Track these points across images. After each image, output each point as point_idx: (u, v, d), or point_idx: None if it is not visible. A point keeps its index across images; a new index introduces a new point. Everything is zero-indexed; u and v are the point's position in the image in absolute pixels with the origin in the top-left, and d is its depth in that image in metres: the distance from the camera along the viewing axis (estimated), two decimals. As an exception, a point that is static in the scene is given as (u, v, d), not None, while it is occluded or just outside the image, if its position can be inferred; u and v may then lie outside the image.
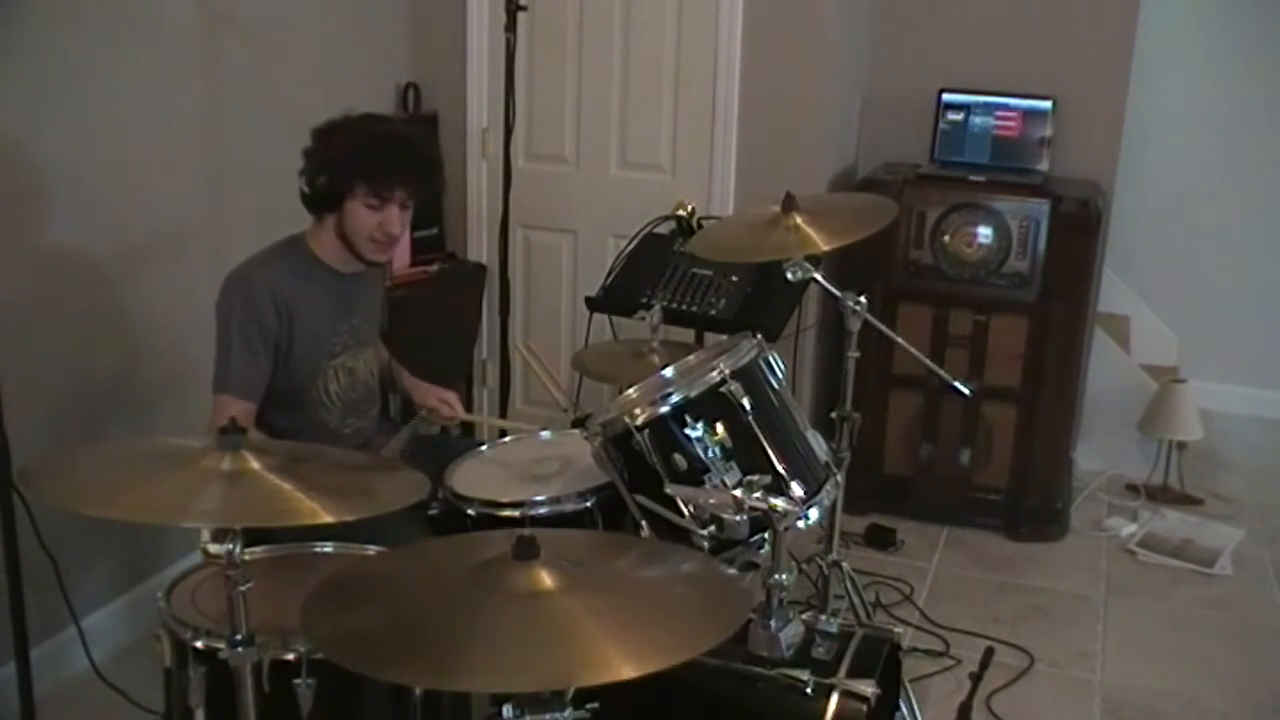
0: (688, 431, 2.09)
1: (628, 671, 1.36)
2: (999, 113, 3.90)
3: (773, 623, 1.93)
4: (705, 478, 2.08)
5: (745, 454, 2.11)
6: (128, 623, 3.02)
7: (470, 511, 2.31)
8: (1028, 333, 3.70)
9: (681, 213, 3.51)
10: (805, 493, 2.15)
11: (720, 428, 2.10)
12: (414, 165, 2.48)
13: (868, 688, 1.87)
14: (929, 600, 3.44)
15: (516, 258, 4.03)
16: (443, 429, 2.86)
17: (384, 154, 2.45)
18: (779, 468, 2.13)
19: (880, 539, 3.75)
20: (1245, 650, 3.26)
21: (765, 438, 2.13)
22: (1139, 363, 4.55)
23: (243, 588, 1.63)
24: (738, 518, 1.98)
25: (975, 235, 3.68)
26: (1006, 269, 3.67)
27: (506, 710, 1.51)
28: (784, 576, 1.92)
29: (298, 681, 1.78)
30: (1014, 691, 2.99)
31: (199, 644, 1.83)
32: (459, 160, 4.06)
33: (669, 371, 2.35)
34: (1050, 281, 3.64)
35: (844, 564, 2.82)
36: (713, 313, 3.30)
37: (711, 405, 2.10)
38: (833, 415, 2.70)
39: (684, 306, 3.32)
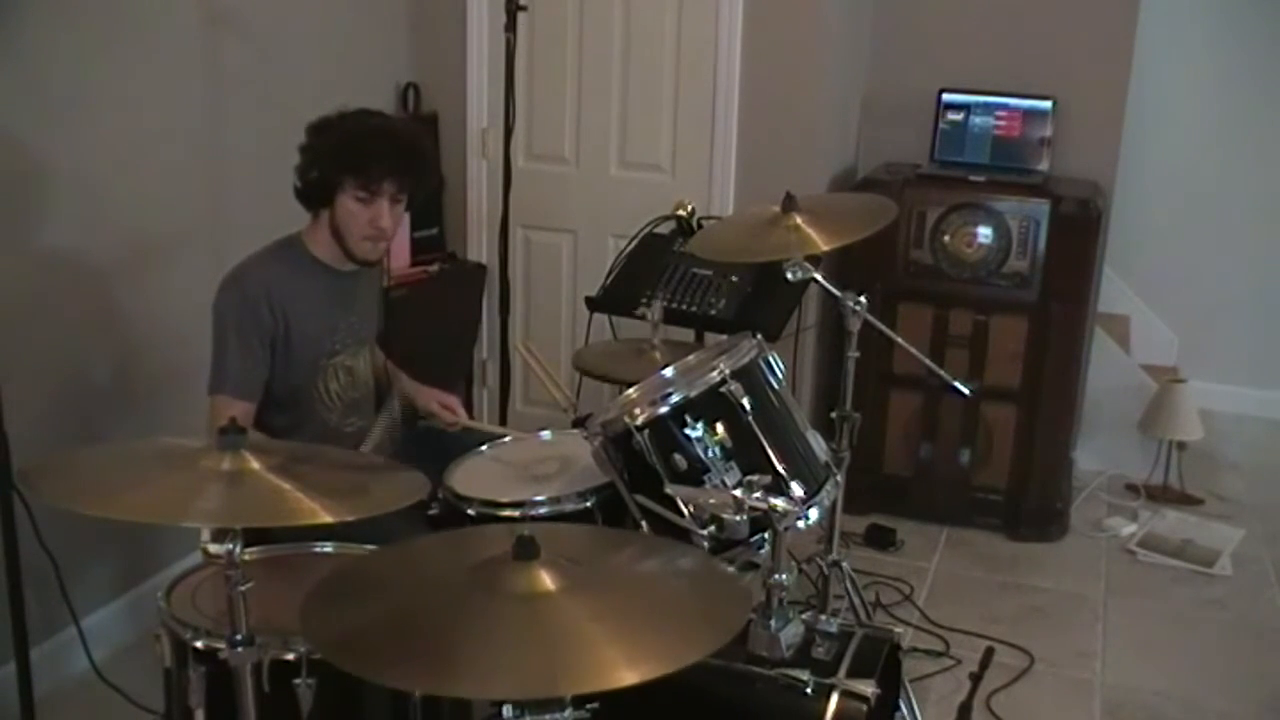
0: (688, 431, 2.08)
1: (626, 678, 1.36)
2: (999, 113, 3.89)
3: (773, 623, 1.93)
4: (705, 478, 2.08)
5: (745, 454, 2.11)
6: (128, 623, 3.02)
7: (470, 511, 2.31)
8: (1028, 333, 3.70)
9: (681, 213, 3.50)
10: (805, 493, 2.15)
11: (720, 428, 2.10)
12: (402, 157, 2.47)
13: (868, 688, 1.87)
14: (929, 600, 3.43)
15: (516, 258, 4.03)
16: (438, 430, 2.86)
17: (372, 146, 2.44)
18: (779, 468, 2.13)
19: (880, 539, 3.75)
20: (1245, 650, 3.26)
21: (765, 438, 2.13)
22: (1139, 363, 4.55)
23: (243, 588, 1.63)
24: (738, 518, 1.98)
25: (975, 235, 3.68)
26: (1006, 269, 3.67)
27: (506, 710, 1.51)
28: (784, 576, 1.92)
29: (298, 681, 1.78)
30: (1014, 691, 2.99)
31: (199, 644, 1.83)
32: (459, 160, 4.06)
33: (669, 371, 2.34)
34: (1050, 281, 3.64)
35: (844, 564, 2.82)
36: (713, 313, 3.30)
37: (711, 405, 2.10)
38: (833, 415, 2.70)
39: (684, 306, 3.32)
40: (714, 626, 1.51)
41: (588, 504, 2.31)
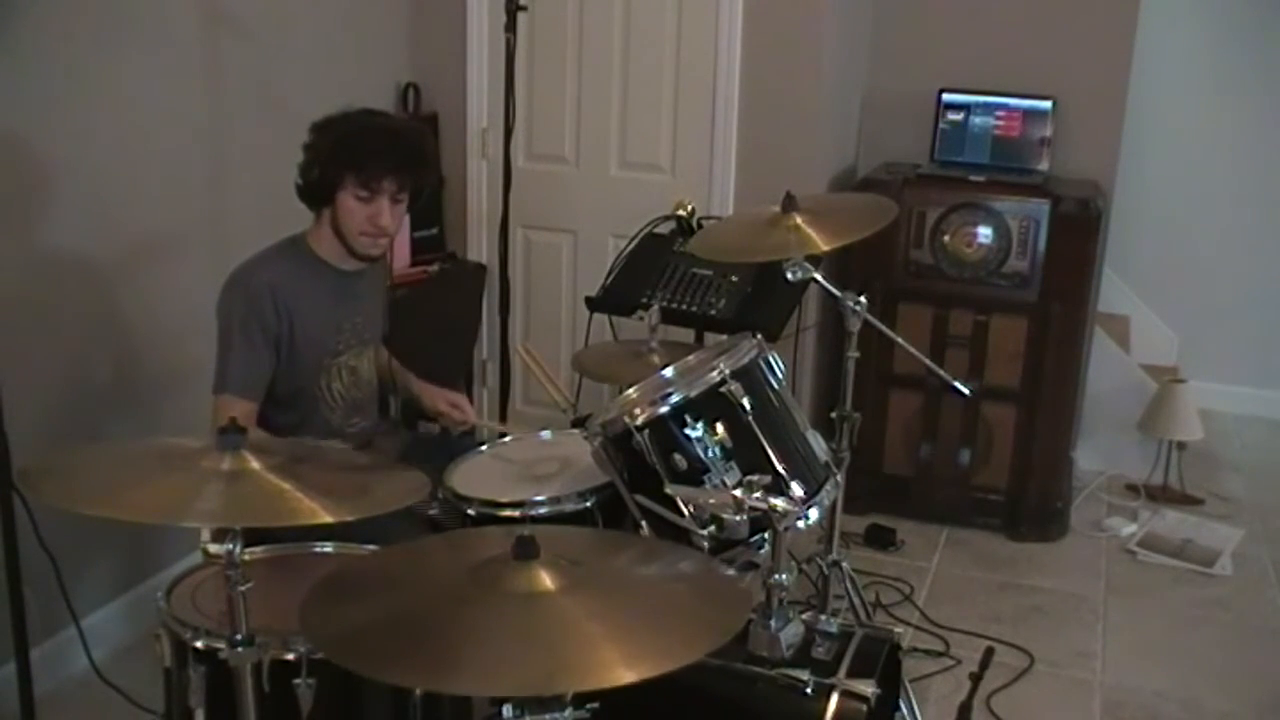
0: (688, 431, 2.08)
1: (626, 676, 1.37)
2: (999, 113, 3.90)
3: (773, 623, 1.93)
4: (705, 478, 2.08)
5: (745, 454, 2.10)
6: (128, 623, 3.02)
7: (470, 511, 2.31)
8: (1028, 333, 3.70)
9: (681, 213, 3.50)
10: (805, 493, 2.15)
11: (720, 428, 2.09)
12: (402, 156, 2.47)
13: (868, 688, 1.87)
14: (929, 600, 3.44)
15: (516, 258, 4.03)
16: (443, 430, 2.86)
17: (372, 145, 2.44)
18: (779, 468, 2.12)
19: (880, 539, 3.75)
20: (1245, 650, 3.26)
21: (765, 438, 2.13)
22: (1139, 363, 4.55)
23: (243, 588, 1.63)
24: (738, 518, 1.98)
25: (975, 235, 3.68)
26: (1006, 269, 3.67)
27: (506, 710, 1.51)
28: (784, 576, 1.92)
29: (298, 681, 1.78)
30: (1014, 691, 2.99)
31: (199, 644, 1.83)
32: (459, 160, 4.06)
33: (669, 371, 2.34)
34: (1050, 281, 3.64)
35: (844, 564, 2.82)
36: (713, 313, 3.30)
37: (711, 405, 2.10)
38: (833, 415, 2.70)
39: (684, 306, 3.32)
40: (713, 627, 1.51)
41: (588, 504, 2.31)
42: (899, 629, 2.22)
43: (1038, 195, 3.66)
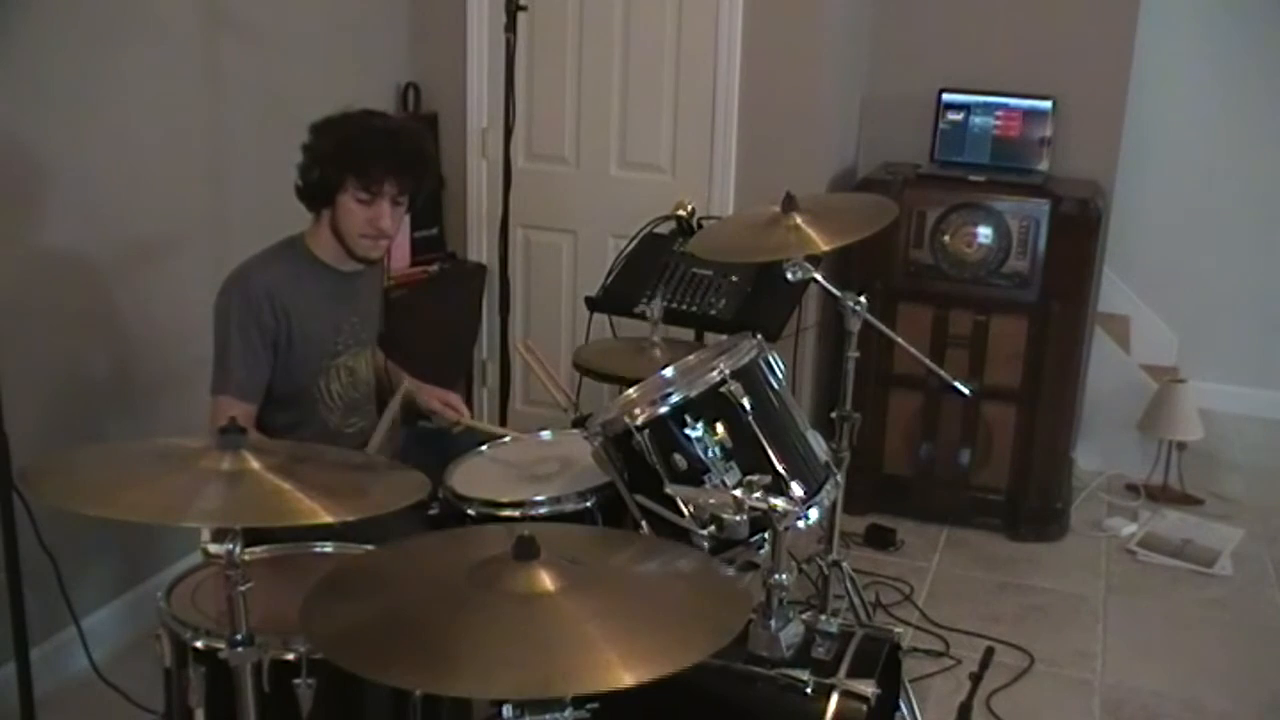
0: (688, 431, 2.08)
1: (625, 679, 1.37)
2: (999, 113, 3.90)
3: (773, 623, 1.93)
4: (705, 478, 2.08)
5: (745, 454, 2.11)
6: (128, 623, 3.02)
7: (470, 511, 2.31)
8: (1028, 333, 3.70)
9: (681, 213, 3.50)
10: (805, 493, 2.15)
11: (720, 428, 2.09)
12: (402, 159, 2.47)
13: (868, 688, 1.87)
14: (929, 600, 3.43)
15: (516, 258, 4.03)
16: (440, 429, 2.86)
17: (372, 147, 2.44)
18: (779, 468, 2.13)
19: (880, 539, 3.75)
20: (1245, 650, 3.26)
21: (765, 438, 2.13)
22: (1139, 363, 4.55)
23: (243, 588, 1.63)
24: (738, 518, 1.98)
25: (975, 235, 3.68)
26: (1006, 269, 3.67)
27: (506, 710, 1.51)
28: (784, 576, 1.92)
29: (298, 681, 1.78)
30: (1014, 691, 2.99)
31: (199, 644, 1.83)
32: (459, 160, 4.06)
33: (669, 371, 2.34)
34: (1050, 281, 3.64)
35: (844, 564, 2.82)
36: (713, 313, 3.30)
37: (711, 405, 2.10)
38: (833, 415, 2.70)
39: (684, 306, 3.32)
40: (713, 628, 1.51)
41: (588, 504, 2.31)
42: (899, 629, 2.23)
43: (1038, 195, 3.66)
